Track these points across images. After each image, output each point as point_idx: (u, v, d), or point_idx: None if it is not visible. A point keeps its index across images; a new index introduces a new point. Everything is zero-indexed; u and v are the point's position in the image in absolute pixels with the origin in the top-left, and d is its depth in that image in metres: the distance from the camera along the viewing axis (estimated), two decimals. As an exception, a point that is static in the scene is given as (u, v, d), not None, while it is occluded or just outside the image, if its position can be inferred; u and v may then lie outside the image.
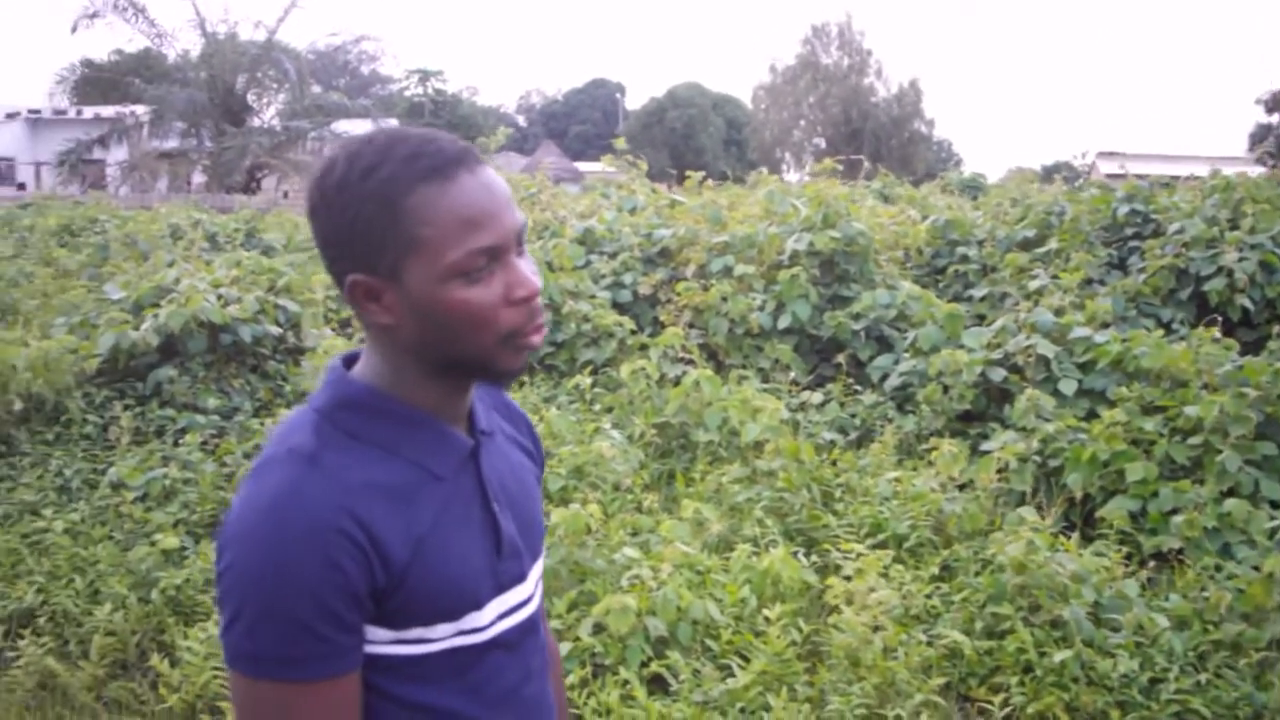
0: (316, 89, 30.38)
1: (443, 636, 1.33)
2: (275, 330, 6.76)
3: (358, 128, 27.57)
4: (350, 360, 1.41)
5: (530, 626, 1.46)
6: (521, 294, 1.29)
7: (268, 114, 28.91)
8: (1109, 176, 16.06)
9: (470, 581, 1.35)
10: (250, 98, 28.02)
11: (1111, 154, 26.97)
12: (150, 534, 4.90)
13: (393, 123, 29.12)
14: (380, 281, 1.28)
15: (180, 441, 5.69)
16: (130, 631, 4.39)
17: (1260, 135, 34.90)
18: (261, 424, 5.96)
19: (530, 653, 1.47)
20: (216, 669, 3.90)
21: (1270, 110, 33.30)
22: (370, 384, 1.35)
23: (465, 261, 1.25)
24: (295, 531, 1.21)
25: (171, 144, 27.07)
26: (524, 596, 1.44)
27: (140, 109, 26.85)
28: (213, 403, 6.15)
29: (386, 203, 1.25)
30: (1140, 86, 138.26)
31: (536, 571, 1.50)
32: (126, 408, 6.01)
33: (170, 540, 4.72)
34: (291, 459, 1.27)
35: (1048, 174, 25.74)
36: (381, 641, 1.30)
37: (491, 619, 1.38)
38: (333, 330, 7.56)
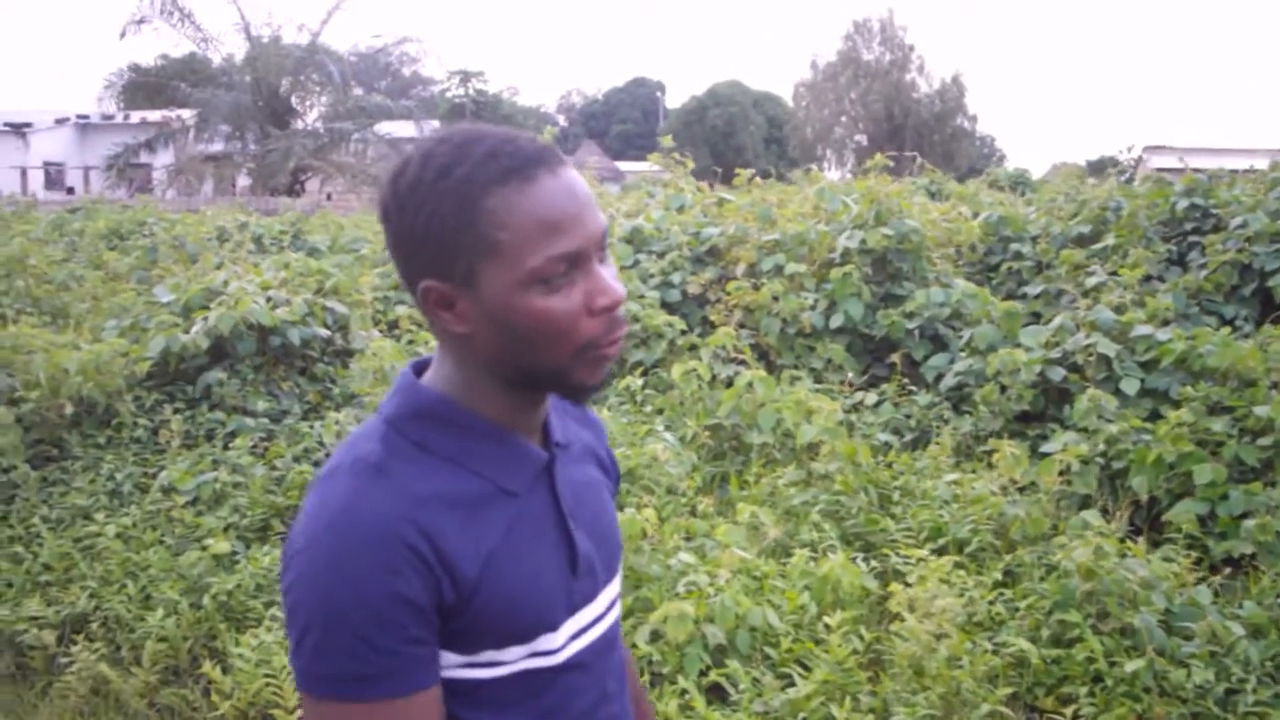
0: (359, 91, 30.48)
1: (515, 659, 1.26)
2: (324, 332, 6.74)
3: (400, 129, 27.74)
4: (420, 368, 1.34)
5: (605, 646, 1.39)
6: (604, 303, 1.22)
7: (311, 116, 29.06)
8: (1158, 170, 15.80)
9: (543, 599, 1.28)
10: (294, 100, 28.20)
11: (1159, 148, 26.56)
12: (201, 539, 4.87)
13: (435, 124, 29.18)
14: (454, 288, 1.20)
15: (230, 445, 5.66)
16: (182, 637, 4.36)
17: (1314, 127, 34.30)
18: (310, 427, 5.93)
19: (606, 673, 1.40)
20: (269, 676, 3.86)
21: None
22: (442, 394, 1.28)
23: (545, 268, 1.18)
24: (357, 543, 1.14)
25: (216, 147, 27.27)
26: (597, 614, 1.37)
27: (186, 113, 27.09)
28: (262, 405, 6.13)
29: (462, 204, 1.17)
30: (1180, 79, 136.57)
31: (613, 588, 1.43)
32: (176, 411, 6.00)
33: (221, 545, 4.70)
34: (357, 469, 1.21)
35: (1093, 169, 25.44)
36: (452, 665, 1.24)
37: (565, 640, 1.31)
38: (380, 332, 7.54)
